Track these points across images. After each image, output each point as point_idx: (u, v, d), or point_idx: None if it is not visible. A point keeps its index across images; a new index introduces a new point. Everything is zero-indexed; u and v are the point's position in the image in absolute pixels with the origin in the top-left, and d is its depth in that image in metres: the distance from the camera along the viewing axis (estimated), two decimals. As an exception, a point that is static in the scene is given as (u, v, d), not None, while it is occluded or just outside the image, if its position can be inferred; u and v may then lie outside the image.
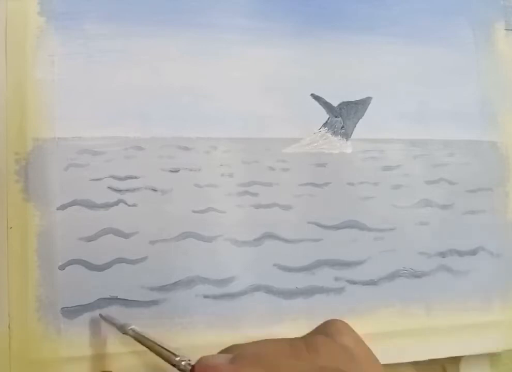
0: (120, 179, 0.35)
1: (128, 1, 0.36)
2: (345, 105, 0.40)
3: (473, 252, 0.41)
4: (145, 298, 0.34)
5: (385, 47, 0.41)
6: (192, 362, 0.28)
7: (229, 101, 0.37)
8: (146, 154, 0.35)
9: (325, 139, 0.40)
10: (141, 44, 0.36)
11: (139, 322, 0.33)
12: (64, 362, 0.32)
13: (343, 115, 0.40)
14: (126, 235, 0.34)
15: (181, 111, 0.36)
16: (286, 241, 0.37)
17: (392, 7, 0.42)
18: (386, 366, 0.29)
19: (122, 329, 0.32)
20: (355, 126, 0.40)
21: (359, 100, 0.40)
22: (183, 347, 0.32)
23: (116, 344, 0.33)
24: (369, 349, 0.29)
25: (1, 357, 0.31)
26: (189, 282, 0.35)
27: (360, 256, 0.39)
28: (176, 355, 0.28)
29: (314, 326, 0.30)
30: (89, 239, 0.34)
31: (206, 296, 0.35)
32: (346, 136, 0.40)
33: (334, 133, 0.40)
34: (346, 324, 0.30)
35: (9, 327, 0.32)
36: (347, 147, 0.40)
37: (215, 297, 0.35)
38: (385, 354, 0.29)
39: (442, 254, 0.41)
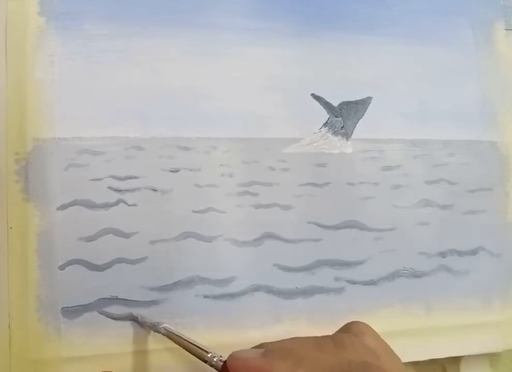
0: (120, 179, 0.35)
1: (127, 1, 0.36)
2: (345, 105, 0.40)
3: (473, 252, 0.41)
4: (145, 298, 0.34)
5: (385, 47, 0.41)
6: (223, 358, 0.28)
7: (229, 101, 0.37)
8: (146, 154, 0.35)
9: (325, 139, 0.40)
10: (141, 44, 0.36)
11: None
12: (64, 362, 0.32)
13: (343, 115, 0.40)
14: (126, 235, 0.34)
15: (181, 111, 0.36)
16: (286, 241, 0.37)
17: (392, 7, 0.42)
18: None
19: (155, 328, 0.33)
20: (355, 126, 0.40)
21: (359, 100, 0.40)
22: (183, 347, 0.32)
23: (116, 345, 0.33)
24: (391, 349, 0.30)
25: (1, 357, 0.31)
26: (189, 282, 0.35)
27: (360, 256, 0.39)
28: (207, 352, 0.30)
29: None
30: (89, 239, 0.34)
31: (206, 296, 0.35)
32: (346, 136, 0.40)
33: (335, 133, 0.40)
34: (368, 325, 0.30)
35: (9, 327, 0.32)
36: (347, 147, 0.40)
37: (215, 297, 0.35)
38: (385, 354, 0.29)
39: (442, 254, 0.41)
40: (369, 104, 0.40)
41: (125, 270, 0.34)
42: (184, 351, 0.31)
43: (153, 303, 0.34)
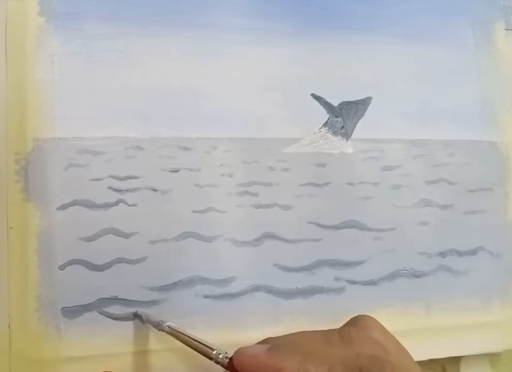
0: (120, 179, 0.35)
1: (127, 1, 0.36)
2: (345, 105, 0.40)
3: (473, 252, 0.41)
4: (145, 298, 0.34)
5: (385, 47, 0.41)
6: (229, 355, 0.28)
7: (229, 101, 0.37)
8: (146, 154, 0.35)
9: (325, 139, 0.40)
10: (141, 44, 0.36)
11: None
12: (64, 362, 0.32)
13: (343, 115, 0.40)
14: (126, 235, 0.34)
15: (181, 111, 0.36)
16: (286, 241, 0.37)
17: (392, 7, 0.42)
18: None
19: (159, 326, 0.33)
20: (355, 126, 0.40)
21: (359, 100, 0.40)
22: (184, 347, 0.32)
23: (116, 344, 0.33)
24: (399, 342, 0.29)
25: (1, 357, 0.31)
26: (189, 282, 0.35)
27: (360, 256, 0.39)
28: (213, 349, 0.30)
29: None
30: (89, 239, 0.33)
31: (206, 296, 0.35)
32: (346, 136, 0.40)
33: (335, 133, 0.40)
34: (375, 319, 0.30)
35: (9, 327, 0.32)
36: (347, 147, 0.40)
37: (215, 297, 0.35)
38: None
39: (442, 254, 0.41)
40: (369, 104, 0.41)
41: (125, 270, 0.34)
42: (184, 351, 0.32)
43: (153, 303, 0.34)
